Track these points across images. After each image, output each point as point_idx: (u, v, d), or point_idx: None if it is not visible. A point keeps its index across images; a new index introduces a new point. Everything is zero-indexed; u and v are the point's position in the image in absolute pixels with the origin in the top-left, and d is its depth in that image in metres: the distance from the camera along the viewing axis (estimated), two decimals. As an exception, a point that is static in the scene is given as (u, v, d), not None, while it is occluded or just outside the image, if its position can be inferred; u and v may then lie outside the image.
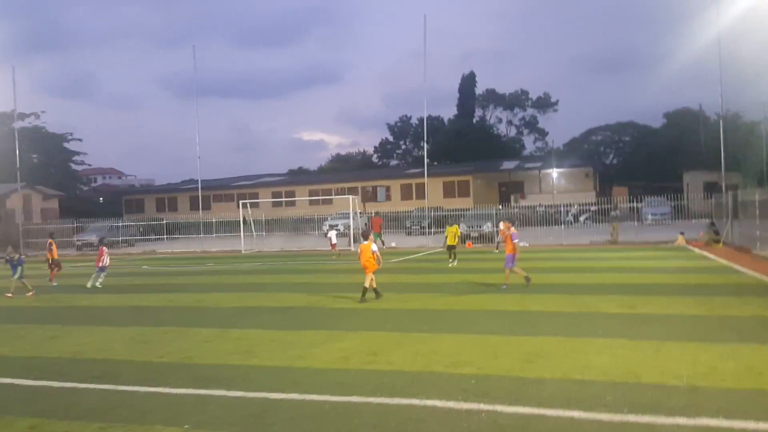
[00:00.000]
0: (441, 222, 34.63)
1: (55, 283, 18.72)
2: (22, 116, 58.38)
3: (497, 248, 26.10)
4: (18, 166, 41.31)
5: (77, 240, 40.63)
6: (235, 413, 5.98)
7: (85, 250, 38.88)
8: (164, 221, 42.18)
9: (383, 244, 28.53)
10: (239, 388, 6.77)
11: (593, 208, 37.22)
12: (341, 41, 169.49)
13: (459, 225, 17.88)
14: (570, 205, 37.25)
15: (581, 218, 37.43)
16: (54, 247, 19.93)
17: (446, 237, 21.29)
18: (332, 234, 27.01)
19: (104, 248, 18.25)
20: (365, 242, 13.27)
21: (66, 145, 63.47)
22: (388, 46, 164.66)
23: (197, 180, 42.99)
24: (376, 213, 33.89)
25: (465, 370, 7.23)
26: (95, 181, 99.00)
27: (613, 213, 30.28)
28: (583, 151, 74.31)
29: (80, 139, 65.11)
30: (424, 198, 38.53)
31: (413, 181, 54.72)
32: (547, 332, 9.19)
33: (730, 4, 27.34)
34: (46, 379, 7.47)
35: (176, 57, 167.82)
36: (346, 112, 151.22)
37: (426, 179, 35.83)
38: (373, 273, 13.02)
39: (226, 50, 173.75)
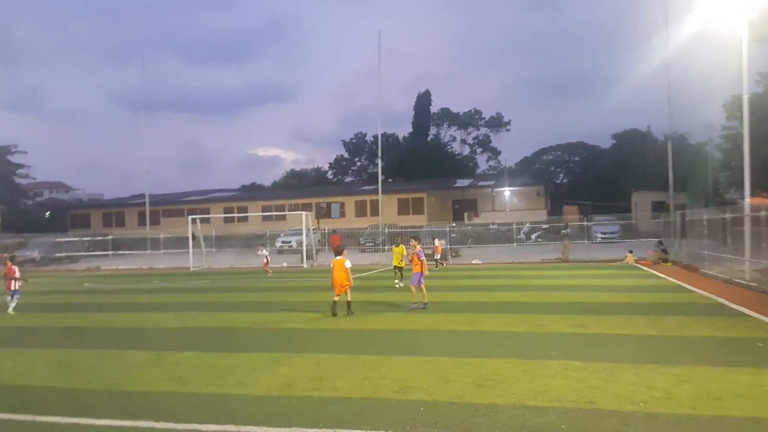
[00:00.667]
0: (394, 239, 34.39)
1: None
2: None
3: (436, 266, 26.11)
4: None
5: (18, 256, 38.70)
6: (160, 449, 5.44)
7: (27, 265, 37.02)
8: (110, 237, 40.62)
9: None
10: (169, 419, 6.21)
11: (545, 226, 37.62)
12: (295, 59, 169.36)
13: (417, 241, 16.35)
14: (522, 223, 37.51)
15: (533, 236, 37.74)
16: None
17: (394, 256, 19.94)
18: (263, 252, 26.51)
19: (14, 267, 15.33)
20: (339, 258, 13.06)
21: (9, 157, 60.86)
22: (343, 65, 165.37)
23: (146, 195, 41.70)
24: (334, 231, 33.44)
25: (414, 396, 6.85)
26: (41, 196, 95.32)
27: (563, 231, 30.65)
28: (535, 170, 75.56)
29: (25, 152, 62.67)
30: (378, 215, 38.23)
31: (368, 198, 54.45)
32: (499, 354, 8.90)
33: (678, 28, 28.20)
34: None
35: (128, 72, 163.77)
36: (301, 128, 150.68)
37: (380, 196, 35.61)
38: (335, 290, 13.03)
39: (179, 65, 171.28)
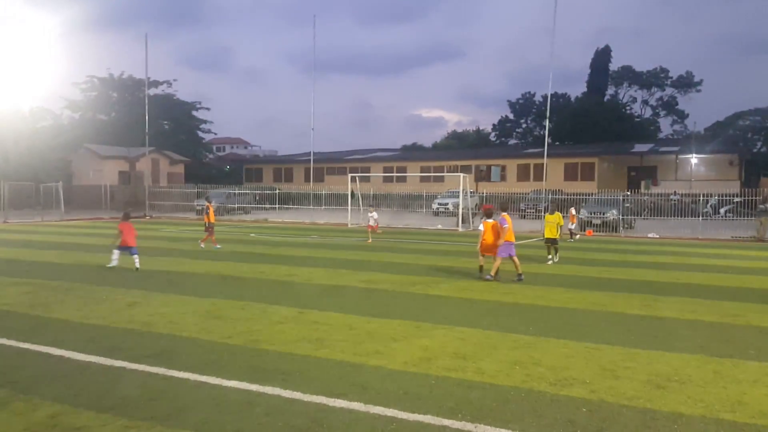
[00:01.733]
0: (561, 205, 32.22)
1: (215, 246, 18.95)
2: (156, 84, 61.69)
3: (571, 237, 23.72)
4: (147, 130, 43.37)
5: (197, 205, 42.19)
6: (279, 424, 4.91)
7: (203, 214, 40.29)
8: (277, 191, 42.74)
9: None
10: (296, 387, 5.72)
11: (737, 199, 33.08)
12: (466, 16, 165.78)
13: (578, 209, 14.14)
14: (709, 195, 33.36)
15: (722, 210, 33.40)
16: (211, 210, 19.83)
17: (545, 227, 16.84)
18: (373, 215, 23.36)
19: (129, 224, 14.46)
20: (489, 220, 12.82)
21: (195, 113, 66.38)
22: (516, 21, 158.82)
23: (311, 152, 43.17)
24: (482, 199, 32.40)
25: (574, 391, 5.74)
26: (223, 150, 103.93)
27: (761, 206, 26.50)
28: (728, 137, 67.28)
29: (208, 108, 68.19)
30: (542, 179, 36.09)
31: (532, 161, 51.96)
32: (682, 348, 7.41)
33: None
34: (99, 353, 6.83)
35: (304, 33, 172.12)
36: (467, 89, 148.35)
37: (546, 159, 33.41)
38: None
39: (351, 27, 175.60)
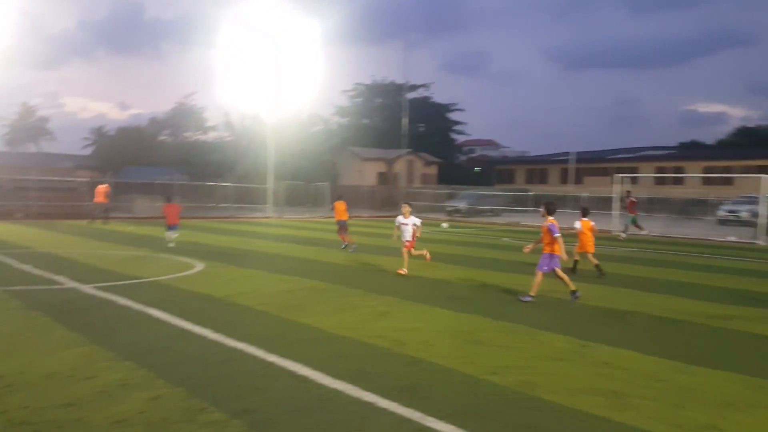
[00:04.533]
0: None
1: (343, 245, 18.13)
2: (414, 87, 63.76)
3: None
4: (406, 133, 44.52)
5: (448, 206, 42.07)
6: None
7: (454, 216, 39.97)
8: (531, 193, 40.54)
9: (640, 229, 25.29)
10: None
11: None
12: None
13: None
14: None
15: None
16: (341, 206, 18.57)
17: None
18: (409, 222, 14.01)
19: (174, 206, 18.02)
20: None
21: (449, 115, 67.19)
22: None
23: (569, 152, 40.13)
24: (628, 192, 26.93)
25: None
26: (473, 152, 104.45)
27: None
28: None
29: (463, 109, 68.31)
30: None
31: None
32: None
33: None
34: (346, 379, 5.72)
35: (564, 29, 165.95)
36: (757, 79, 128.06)
37: None
38: None
39: (621, 17, 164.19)
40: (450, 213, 40.82)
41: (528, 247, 10.99)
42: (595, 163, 56.19)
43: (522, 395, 5.48)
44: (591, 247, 13.62)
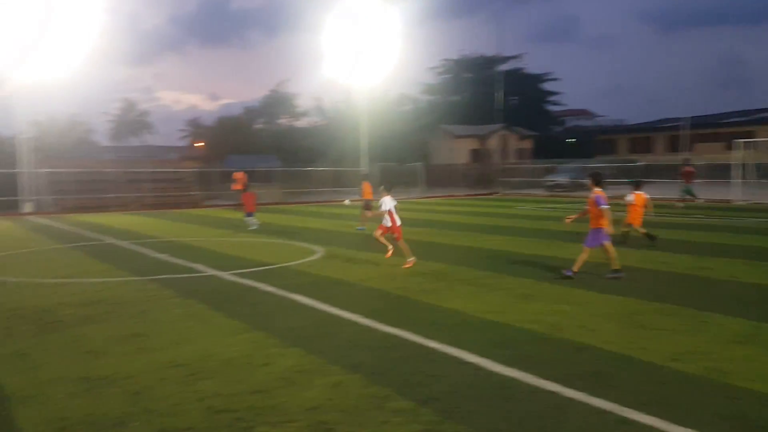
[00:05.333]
0: None
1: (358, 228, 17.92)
2: (505, 59, 62.13)
3: None
4: (500, 107, 43.52)
5: (548, 180, 40.83)
6: None
7: (555, 191, 38.78)
8: (640, 163, 38.54)
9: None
10: None
11: None
12: None
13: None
14: None
15: None
16: (367, 187, 18.56)
17: None
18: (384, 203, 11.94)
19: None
20: None
21: (542, 85, 65.09)
22: None
23: (675, 118, 37.81)
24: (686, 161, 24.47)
25: None
26: (565, 123, 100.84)
27: None
28: None
29: (558, 79, 65.81)
30: None
31: None
32: None
33: None
34: (515, 365, 5.56)
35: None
36: None
37: None
38: None
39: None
40: (550, 188, 39.65)
41: (570, 218, 10.62)
42: (704, 128, 52.63)
43: (715, 383, 5.12)
44: (639, 221, 13.82)
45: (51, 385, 5.26)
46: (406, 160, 45.49)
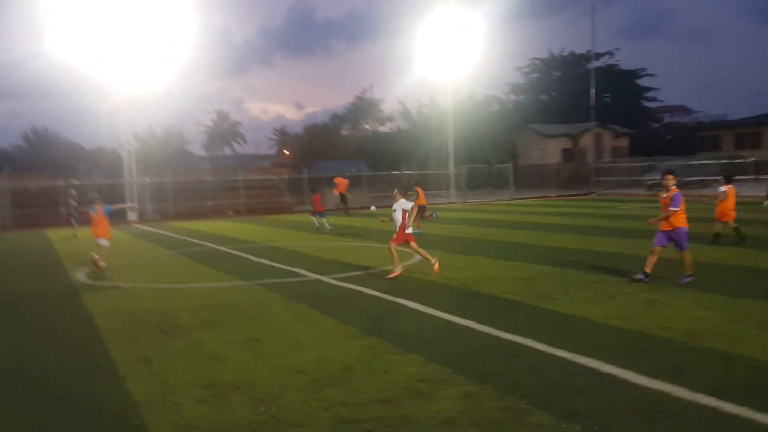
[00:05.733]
0: None
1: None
2: (597, 56, 59.82)
3: None
4: (593, 105, 41.88)
5: (648, 179, 38.82)
6: None
7: (655, 190, 36.79)
8: (750, 159, 35.88)
9: None
10: None
11: None
12: None
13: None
14: None
15: None
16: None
17: None
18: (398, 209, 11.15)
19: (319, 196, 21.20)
20: None
21: (638, 81, 62.16)
22: None
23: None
24: None
25: None
26: (661, 120, 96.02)
27: None
28: None
29: (653, 74, 62.59)
30: None
31: None
32: None
33: None
34: (662, 378, 5.06)
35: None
36: None
37: None
38: None
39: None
40: (650, 187, 37.66)
41: (653, 221, 9.57)
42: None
43: None
44: (732, 215, 13.49)
45: (178, 391, 5.25)
46: (494, 162, 44.60)
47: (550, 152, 50.20)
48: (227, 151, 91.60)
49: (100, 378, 5.71)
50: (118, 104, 32.65)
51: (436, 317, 7.58)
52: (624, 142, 52.71)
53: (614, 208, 26.32)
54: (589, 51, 53.33)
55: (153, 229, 24.41)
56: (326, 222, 20.65)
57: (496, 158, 46.38)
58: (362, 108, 65.32)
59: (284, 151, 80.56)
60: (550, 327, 6.91)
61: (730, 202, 13.53)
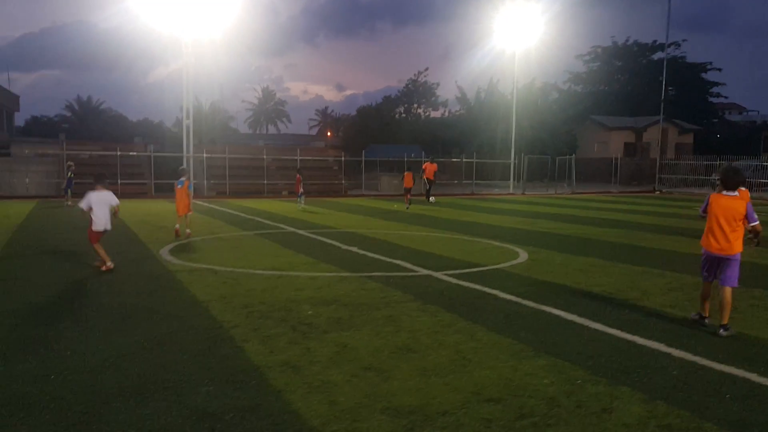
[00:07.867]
0: None
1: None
2: (662, 47, 57.33)
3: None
4: (663, 98, 39.89)
5: (715, 179, 36.83)
6: None
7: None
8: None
9: None
10: None
11: None
12: None
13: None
14: None
15: None
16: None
17: None
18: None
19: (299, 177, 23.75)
20: None
21: (704, 75, 59.41)
22: None
23: None
24: None
25: None
26: (723, 116, 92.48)
27: None
28: None
29: (719, 69, 59.64)
30: None
31: None
32: None
33: None
34: None
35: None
36: None
37: None
38: None
39: None
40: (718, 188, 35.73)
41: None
42: None
43: None
44: None
45: (357, 415, 4.30)
46: (552, 153, 43.00)
47: (612, 145, 48.20)
48: (271, 129, 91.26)
49: (251, 389, 4.79)
50: (164, 78, 32.27)
51: (611, 335, 6.44)
52: (689, 139, 50.38)
53: (692, 208, 24.76)
54: (655, 41, 51.02)
55: (212, 206, 23.80)
56: (301, 201, 23.28)
57: (555, 150, 44.76)
58: (416, 91, 63.92)
59: (327, 132, 79.80)
60: (755, 355, 5.77)
61: None
